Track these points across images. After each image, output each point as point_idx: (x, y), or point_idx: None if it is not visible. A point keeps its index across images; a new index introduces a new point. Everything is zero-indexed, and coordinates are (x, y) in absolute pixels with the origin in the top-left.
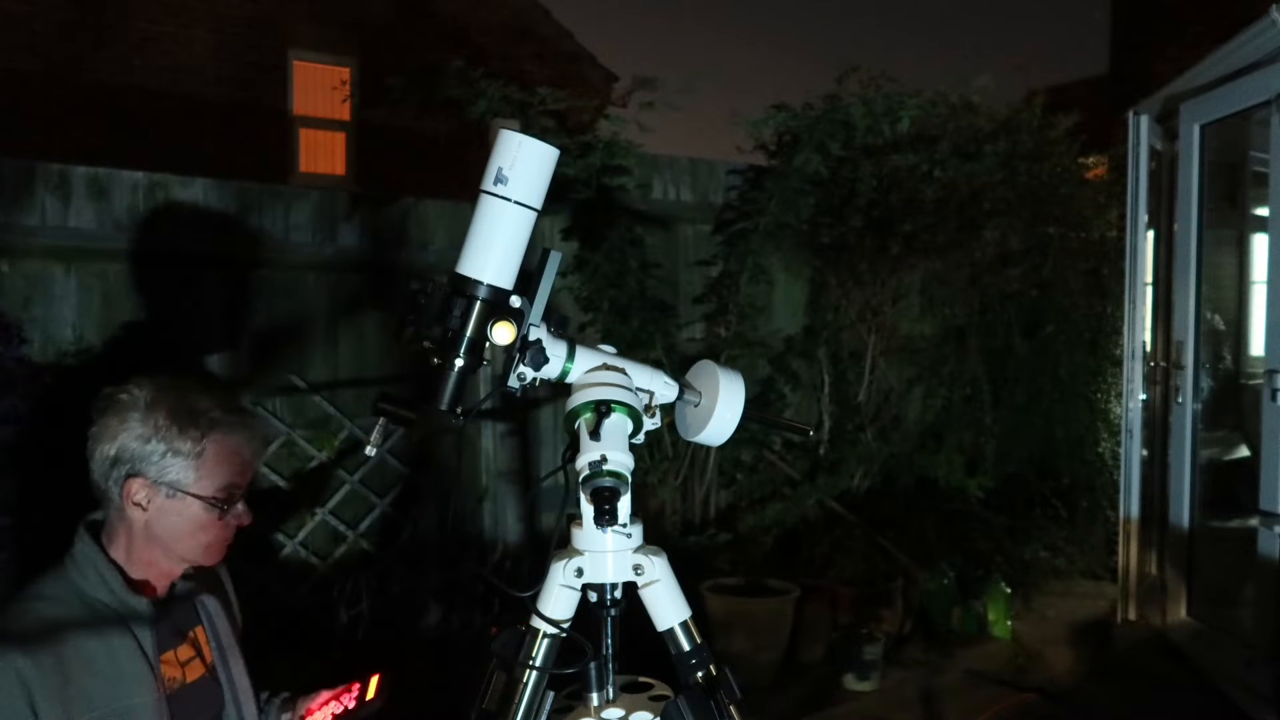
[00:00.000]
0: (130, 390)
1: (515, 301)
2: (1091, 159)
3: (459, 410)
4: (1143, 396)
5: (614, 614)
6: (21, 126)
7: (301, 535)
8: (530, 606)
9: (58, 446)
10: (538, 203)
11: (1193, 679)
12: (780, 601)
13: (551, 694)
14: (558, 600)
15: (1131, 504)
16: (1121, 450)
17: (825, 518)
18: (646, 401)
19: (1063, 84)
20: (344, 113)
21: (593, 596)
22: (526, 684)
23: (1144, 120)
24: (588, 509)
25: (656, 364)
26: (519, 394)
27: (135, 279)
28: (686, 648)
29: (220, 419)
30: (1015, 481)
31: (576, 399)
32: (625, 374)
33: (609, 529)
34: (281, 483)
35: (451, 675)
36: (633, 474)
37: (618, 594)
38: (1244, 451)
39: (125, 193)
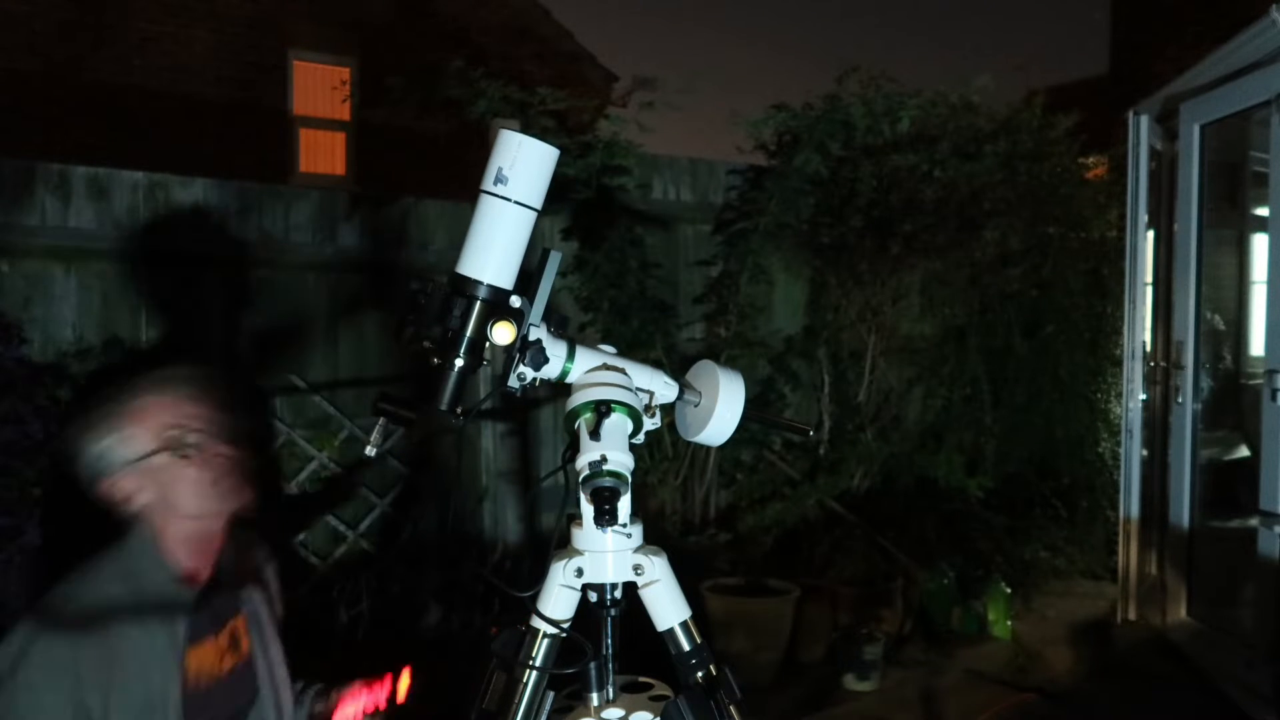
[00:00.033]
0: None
1: (515, 301)
2: (1091, 159)
3: (459, 410)
4: (1143, 396)
5: (614, 614)
6: (21, 126)
7: (302, 535)
8: (530, 606)
9: None
10: (538, 203)
11: (1193, 679)
12: (780, 601)
13: (551, 694)
14: (558, 600)
15: (1131, 504)
16: (1121, 450)
17: (825, 518)
18: (646, 401)
19: (1063, 84)
20: (344, 113)
21: (593, 596)
22: (526, 684)
23: (1144, 120)
24: (588, 509)
25: (656, 364)
26: (519, 394)
27: (136, 279)
28: (686, 648)
29: (129, 392)
30: (1015, 481)
31: (576, 399)
32: (625, 374)
33: (609, 529)
34: (293, 487)
35: (451, 675)
36: (633, 474)
37: (618, 594)
38: (1244, 451)
39: (125, 193)
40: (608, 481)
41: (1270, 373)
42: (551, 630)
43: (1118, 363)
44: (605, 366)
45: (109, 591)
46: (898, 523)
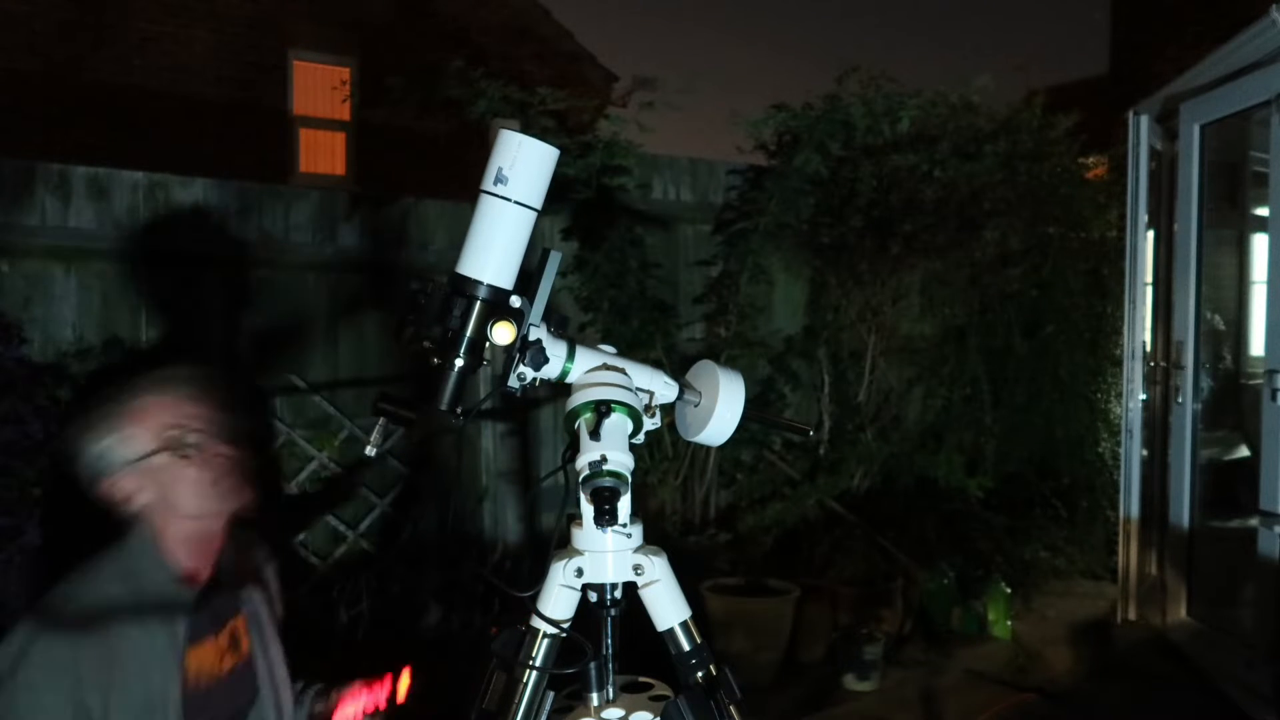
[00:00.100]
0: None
1: (515, 301)
2: (1091, 159)
3: (459, 410)
4: (1143, 396)
5: (614, 614)
6: (21, 126)
7: (302, 535)
8: (530, 606)
9: None
10: (538, 203)
11: (1193, 679)
12: (780, 601)
13: (551, 694)
14: (558, 600)
15: (1131, 504)
16: (1121, 450)
17: (825, 518)
18: (646, 401)
19: (1063, 84)
20: (344, 113)
21: (593, 596)
22: (526, 684)
23: (1144, 120)
24: (588, 509)
25: (656, 364)
26: (519, 394)
27: (136, 279)
28: (686, 648)
29: (129, 392)
30: (1015, 481)
31: (576, 399)
32: (625, 374)
33: (609, 529)
34: (293, 487)
35: (451, 675)
36: (633, 474)
37: (618, 594)
38: (1244, 451)
39: (125, 193)
40: (608, 481)
41: (1270, 373)
42: (551, 630)
43: (1118, 363)
44: (605, 366)
45: (109, 591)
46: (898, 523)
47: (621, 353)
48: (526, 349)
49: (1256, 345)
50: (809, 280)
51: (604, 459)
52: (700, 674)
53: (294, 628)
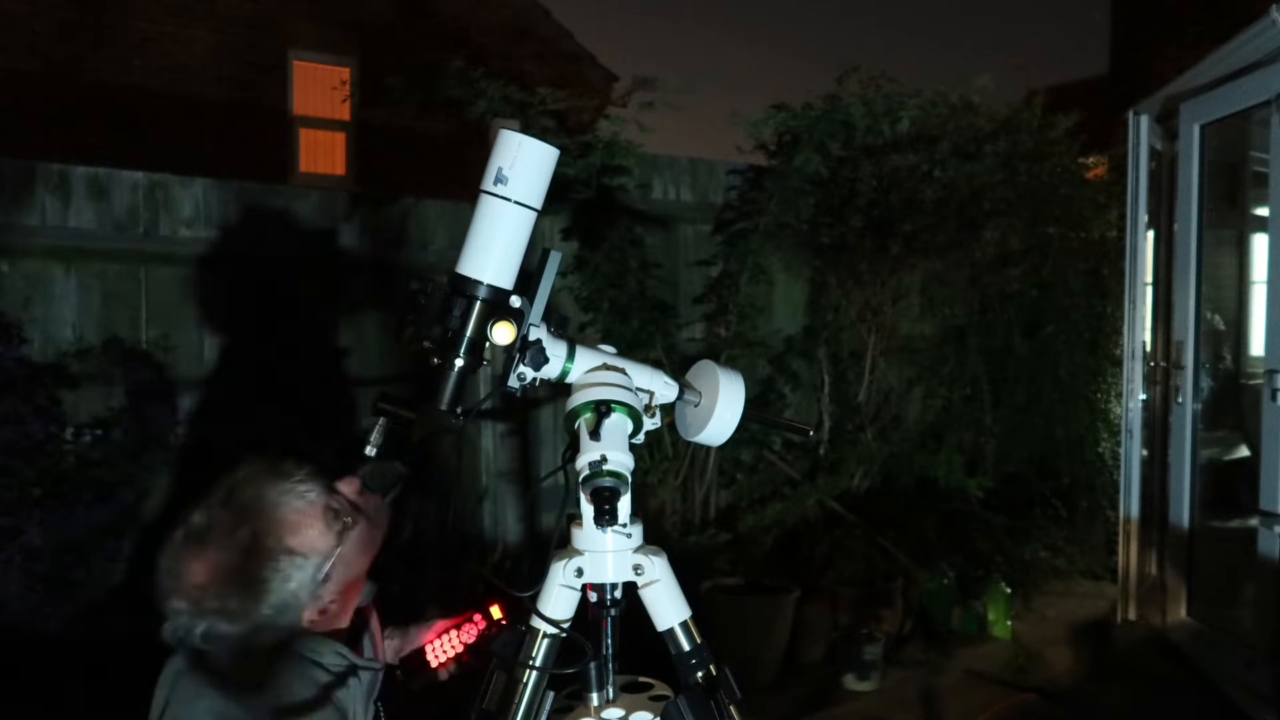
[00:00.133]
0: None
1: (515, 301)
2: (1091, 159)
3: (459, 410)
4: (1143, 396)
5: (614, 614)
6: (21, 126)
7: None
8: (530, 606)
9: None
10: (538, 203)
11: (1193, 679)
12: (780, 601)
13: (551, 694)
14: (558, 600)
15: (1131, 504)
16: (1121, 450)
17: (825, 518)
18: (646, 401)
19: (1063, 84)
20: (344, 113)
21: (593, 596)
22: (526, 684)
23: (1144, 120)
24: (588, 509)
25: (656, 364)
26: (519, 394)
27: (134, 279)
28: (686, 648)
29: (256, 525)
30: (1015, 481)
31: (576, 399)
32: (625, 374)
33: (609, 529)
34: None
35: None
36: (633, 474)
37: (618, 594)
38: (1244, 451)
39: (125, 193)
40: (608, 481)
41: (1270, 373)
42: (551, 630)
43: (1118, 363)
44: (605, 366)
45: (323, 680)
46: (898, 523)
47: (621, 353)
48: (526, 349)
49: (1256, 345)
50: (809, 280)
51: (604, 459)
52: (700, 674)
53: None
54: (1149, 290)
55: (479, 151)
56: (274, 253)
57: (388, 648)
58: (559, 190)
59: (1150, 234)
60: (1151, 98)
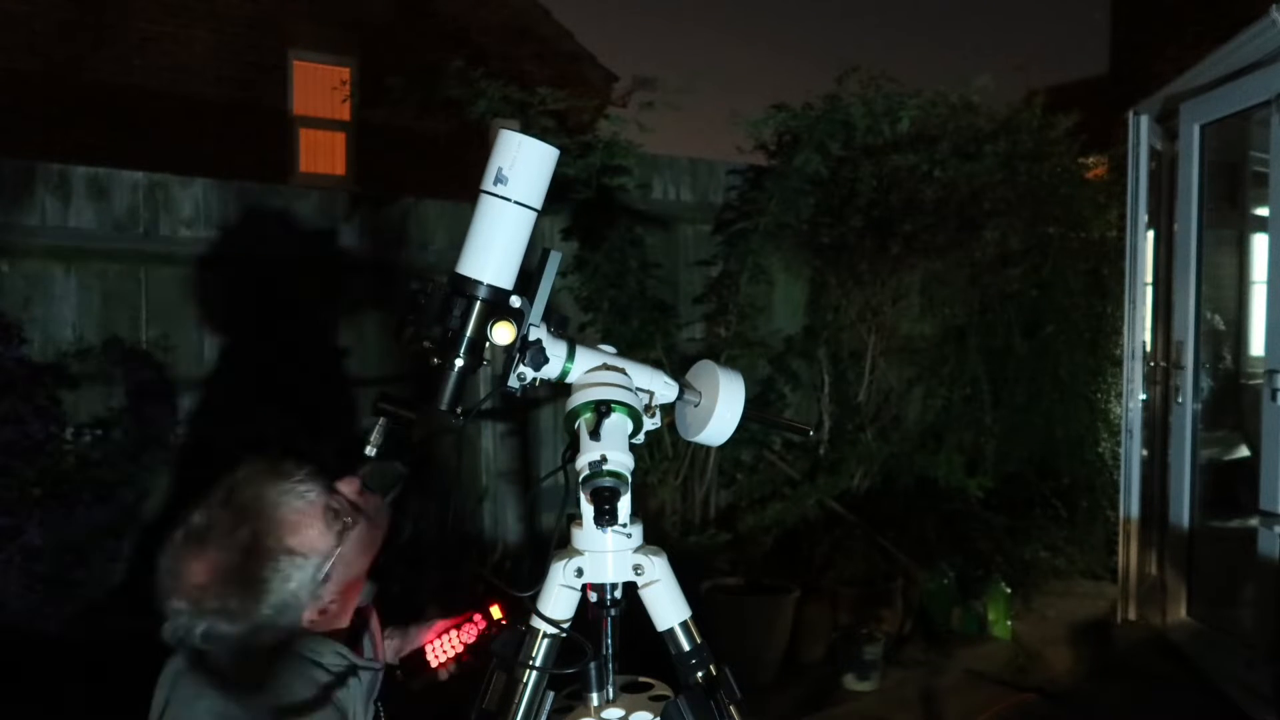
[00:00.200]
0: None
1: (515, 301)
2: (1091, 159)
3: (459, 410)
4: (1143, 396)
5: (614, 614)
6: (21, 126)
7: None
8: (530, 606)
9: None
10: (538, 203)
11: (1193, 679)
12: (780, 601)
13: (551, 694)
14: (558, 600)
15: (1131, 504)
16: (1121, 450)
17: (825, 518)
18: (646, 401)
19: (1063, 84)
20: (344, 113)
21: (593, 596)
22: (526, 684)
23: (1144, 120)
24: (588, 509)
25: (656, 364)
26: (519, 394)
27: (134, 279)
28: (686, 648)
29: (256, 525)
30: (1015, 481)
31: (576, 399)
32: (625, 374)
33: (609, 529)
34: None
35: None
36: (633, 474)
37: (618, 594)
38: (1244, 451)
39: (125, 193)
40: (608, 481)
41: (1270, 373)
42: (551, 630)
43: (1118, 363)
44: (605, 366)
45: (324, 680)
46: (898, 523)
47: (621, 353)
48: (526, 349)
49: (1256, 345)
50: (809, 280)
51: (604, 459)
52: (700, 674)
53: None
54: (1149, 290)
55: (479, 151)
56: (274, 253)
57: (388, 648)
58: (559, 190)
59: (1150, 234)
60: (1151, 98)
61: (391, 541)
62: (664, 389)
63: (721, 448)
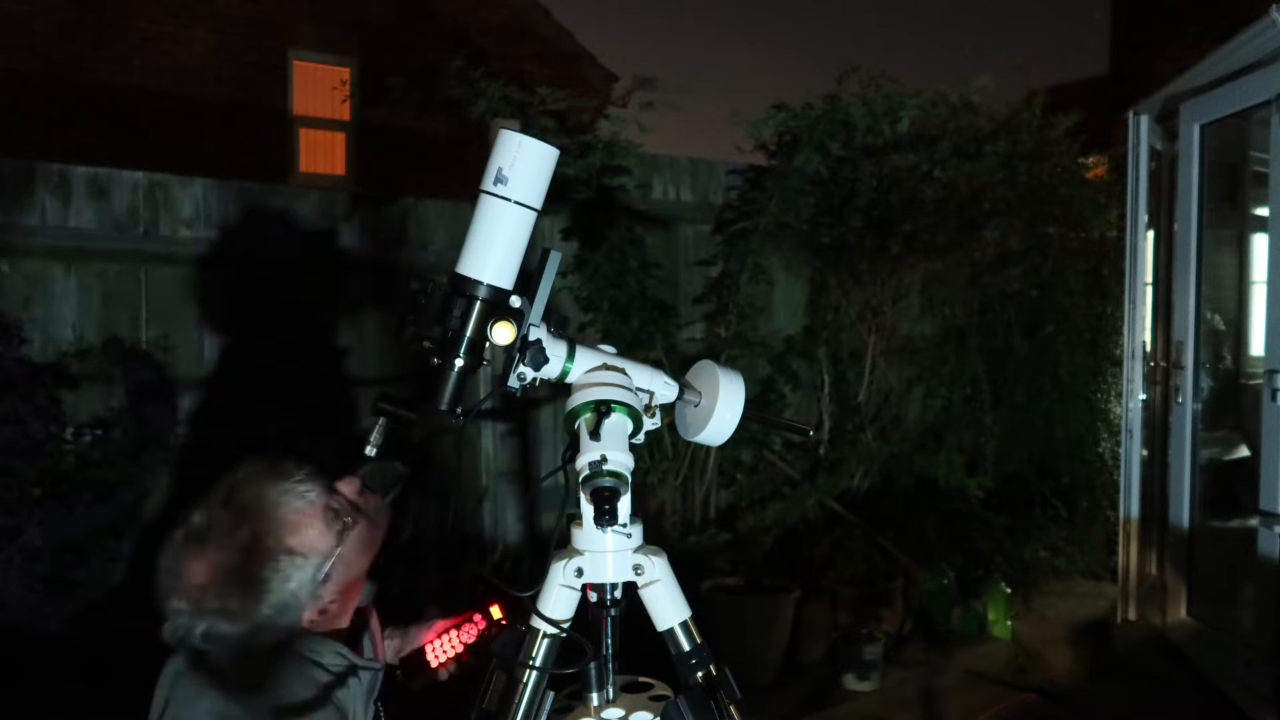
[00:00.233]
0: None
1: (515, 301)
2: (1091, 159)
3: (459, 410)
4: (1143, 396)
5: (614, 614)
6: (21, 126)
7: None
8: (530, 606)
9: None
10: (538, 203)
11: (1193, 679)
12: (780, 601)
13: (551, 694)
14: (558, 600)
15: (1131, 504)
16: (1121, 450)
17: (825, 518)
18: (646, 401)
19: (1063, 84)
20: (344, 113)
21: (593, 596)
22: (526, 684)
23: (1144, 120)
24: (588, 509)
25: (656, 364)
26: (519, 394)
27: (134, 279)
28: (686, 648)
29: (256, 524)
30: (1015, 481)
31: (576, 399)
32: (625, 374)
33: (609, 529)
34: None
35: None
36: (633, 474)
37: (618, 594)
38: (1244, 451)
39: (125, 193)
40: (608, 481)
41: (1270, 373)
42: (551, 630)
43: (1118, 363)
44: (605, 366)
45: (324, 680)
46: (898, 523)
47: (621, 353)
48: (526, 349)
49: (1256, 345)
50: (809, 280)
51: (604, 459)
52: (700, 674)
53: None
54: (1149, 290)
55: (479, 151)
56: (274, 253)
57: (388, 648)
58: (559, 190)
59: (1150, 234)
60: (1151, 98)
61: (391, 541)
62: (664, 389)
63: (721, 448)
